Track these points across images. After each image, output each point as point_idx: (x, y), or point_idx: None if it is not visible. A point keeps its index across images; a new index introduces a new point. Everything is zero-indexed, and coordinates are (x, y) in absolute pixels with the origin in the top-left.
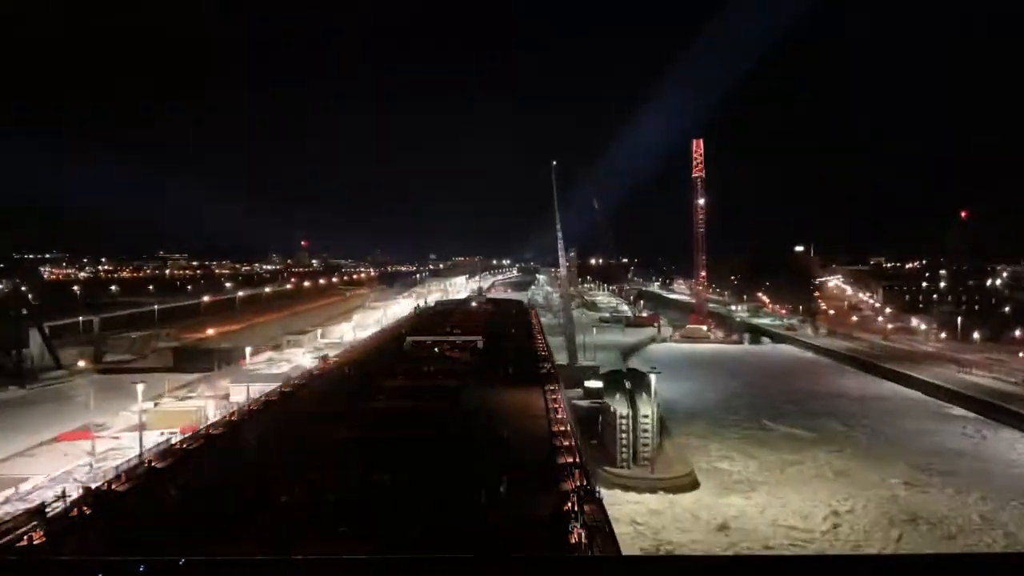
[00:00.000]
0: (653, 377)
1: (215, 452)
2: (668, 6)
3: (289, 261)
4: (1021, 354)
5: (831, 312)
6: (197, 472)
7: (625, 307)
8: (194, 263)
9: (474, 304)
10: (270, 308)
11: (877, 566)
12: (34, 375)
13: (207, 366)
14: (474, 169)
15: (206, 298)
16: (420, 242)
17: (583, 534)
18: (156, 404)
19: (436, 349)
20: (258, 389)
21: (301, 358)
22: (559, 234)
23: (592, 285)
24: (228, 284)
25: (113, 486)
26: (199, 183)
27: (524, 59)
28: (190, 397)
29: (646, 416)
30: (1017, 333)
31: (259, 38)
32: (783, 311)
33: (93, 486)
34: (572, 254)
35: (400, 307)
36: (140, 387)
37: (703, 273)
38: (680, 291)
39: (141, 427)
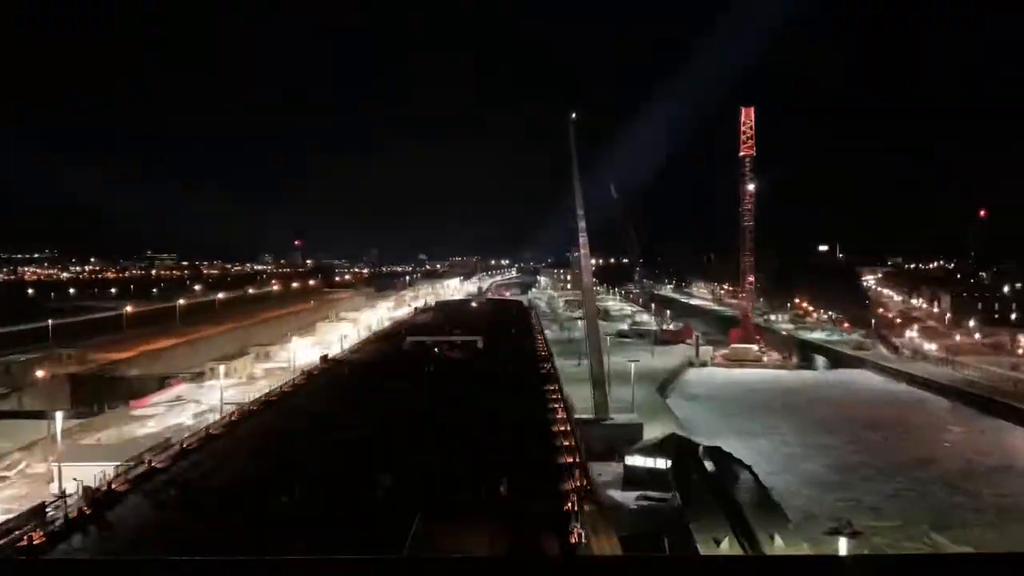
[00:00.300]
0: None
1: (215, 452)
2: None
3: (283, 261)
4: None
5: (894, 323)
6: (197, 472)
7: (646, 317)
8: (184, 263)
9: (474, 304)
10: (229, 316)
11: (877, 566)
12: None
13: (113, 398)
14: (474, 167)
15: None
16: (417, 242)
17: (583, 534)
18: None
19: (436, 349)
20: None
21: (222, 393)
22: (579, 211)
23: (599, 288)
24: (197, 287)
25: (113, 486)
26: (196, 183)
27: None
28: None
29: None
30: None
31: (259, 35)
32: (845, 324)
33: (93, 486)
34: (577, 254)
35: (377, 316)
36: None
37: (751, 278)
38: (701, 295)
39: None
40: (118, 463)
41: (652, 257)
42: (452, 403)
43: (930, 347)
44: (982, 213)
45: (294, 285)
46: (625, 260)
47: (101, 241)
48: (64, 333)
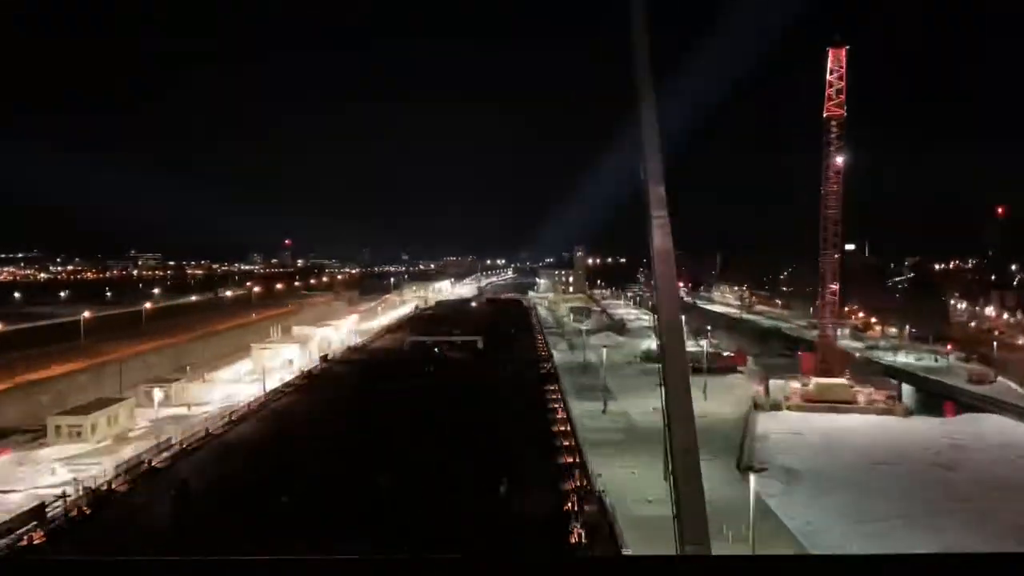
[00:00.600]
0: None
1: (215, 452)
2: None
3: (273, 261)
4: None
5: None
6: (197, 472)
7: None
8: (171, 263)
9: (474, 304)
10: (169, 328)
11: (877, 566)
12: None
13: None
14: (470, 163)
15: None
16: (413, 242)
17: (583, 534)
18: None
19: (436, 349)
20: None
21: (52, 474)
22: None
23: (606, 291)
24: (156, 290)
25: (113, 486)
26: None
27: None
28: None
29: None
30: None
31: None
32: (949, 348)
33: (93, 486)
34: (580, 253)
35: (340, 334)
36: None
37: (833, 286)
38: (724, 301)
39: None
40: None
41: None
42: (452, 403)
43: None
44: (1000, 211)
45: (290, 284)
46: (623, 260)
47: (87, 240)
48: None
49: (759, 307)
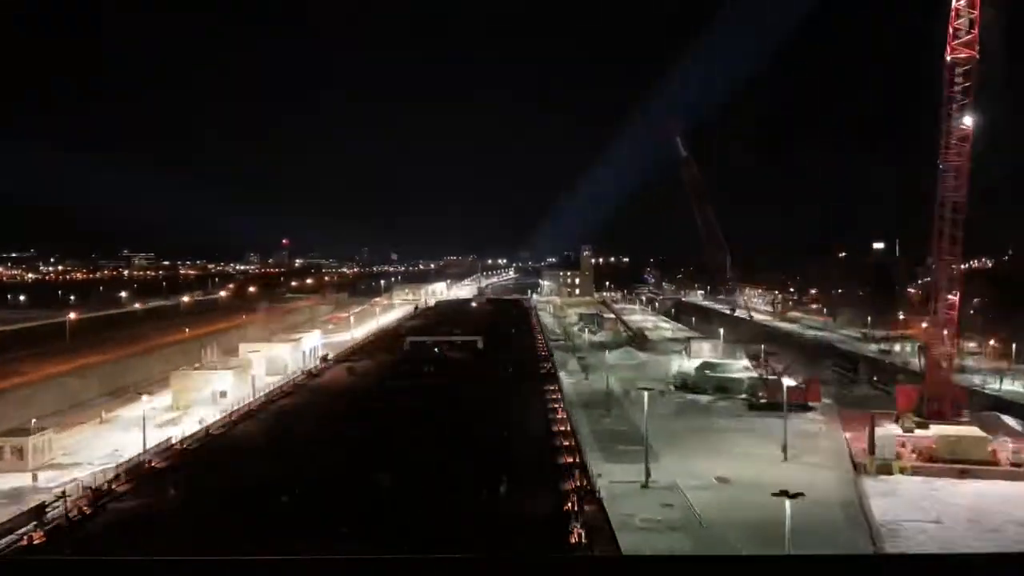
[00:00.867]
0: None
1: (215, 452)
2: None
3: (270, 261)
4: None
5: None
6: (197, 472)
7: (706, 346)
8: (166, 262)
9: (474, 304)
10: (112, 341)
11: (877, 566)
12: None
13: None
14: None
15: None
16: (414, 241)
17: (583, 534)
18: None
19: (436, 349)
20: None
21: None
22: None
23: (616, 295)
24: (123, 293)
25: (113, 486)
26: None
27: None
28: None
29: None
30: None
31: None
32: None
33: (93, 486)
34: (586, 252)
35: (302, 349)
36: None
37: (952, 296)
38: (752, 306)
39: None
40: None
41: (647, 257)
42: (452, 403)
43: None
44: None
45: (288, 283)
46: (626, 260)
47: (86, 240)
48: None
49: (793, 313)
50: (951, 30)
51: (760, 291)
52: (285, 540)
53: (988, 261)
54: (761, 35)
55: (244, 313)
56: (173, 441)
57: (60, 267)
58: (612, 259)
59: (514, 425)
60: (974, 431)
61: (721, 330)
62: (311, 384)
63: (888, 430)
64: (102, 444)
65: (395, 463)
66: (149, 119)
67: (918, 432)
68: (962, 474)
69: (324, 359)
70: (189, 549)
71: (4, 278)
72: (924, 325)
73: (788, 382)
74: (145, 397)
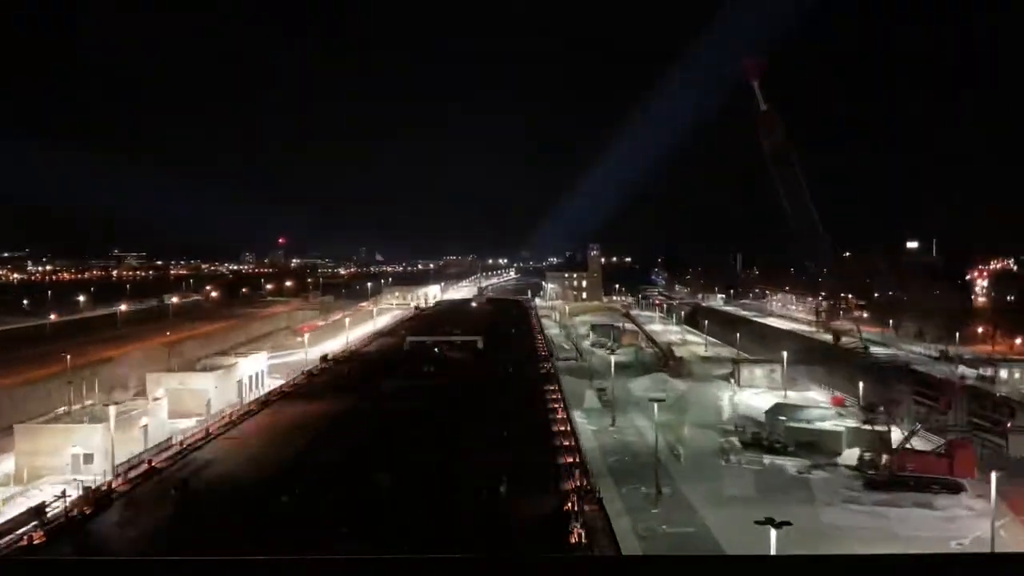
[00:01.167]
0: None
1: (215, 452)
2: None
3: (266, 261)
4: None
5: None
6: (197, 472)
7: (769, 374)
8: (158, 262)
9: (474, 304)
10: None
11: (877, 566)
12: None
13: None
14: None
15: None
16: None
17: (583, 534)
18: None
19: (436, 349)
20: None
21: None
22: None
23: (627, 299)
24: (82, 297)
25: (113, 486)
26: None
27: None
28: None
29: None
30: None
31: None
32: None
33: (93, 486)
34: (594, 252)
35: (225, 386)
36: None
37: None
38: (786, 313)
39: None
40: None
41: (673, 256)
42: (452, 403)
43: None
44: None
45: (282, 286)
46: (628, 259)
47: (80, 239)
48: None
49: (840, 323)
50: None
51: (796, 296)
52: (285, 540)
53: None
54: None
55: (204, 321)
56: (173, 441)
57: (49, 267)
58: (614, 259)
59: (514, 425)
60: None
61: (784, 353)
62: (311, 385)
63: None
64: None
65: (395, 463)
66: (148, 118)
67: None
68: None
69: (324, 358)
70: (189, 549)
71: None
72: None
73: (918, 445)
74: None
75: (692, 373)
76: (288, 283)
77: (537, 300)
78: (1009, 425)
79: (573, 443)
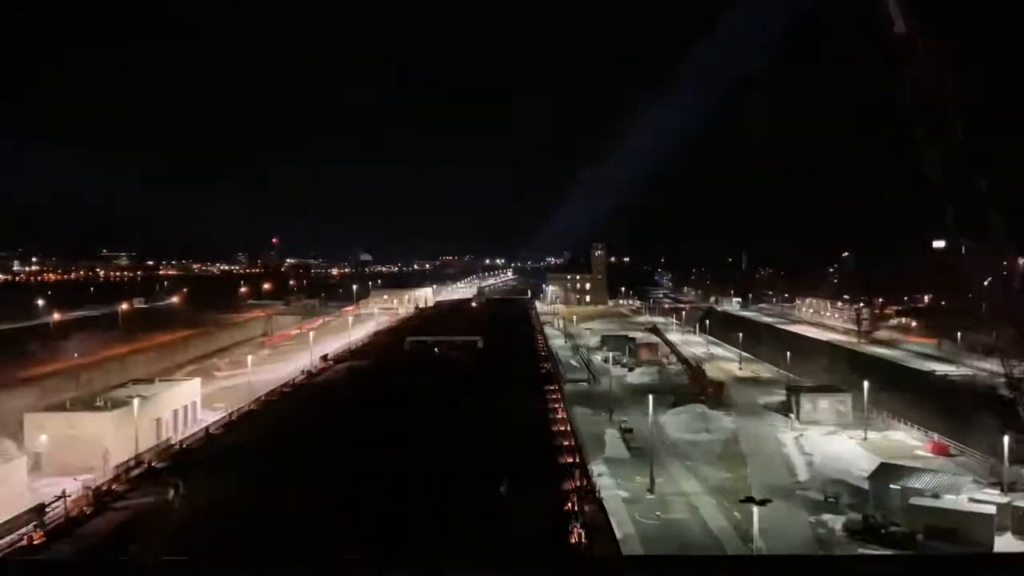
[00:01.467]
0: None
1: (215, 452)
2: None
3: (259, 261)
4: None
5: None
6: (197, 472)
7: (817, 407)
8: (149, 262)
9: (474, 304)
10: None
11: (876, 566)
12: None
13: None
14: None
15: None
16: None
17: (583, 534)
18: None
19: (436, 349)
20: None
21: None
22: None
23: (634, 302)
24: (40, 301)
25: (113, 486)
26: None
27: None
28: None
29: None
30: None
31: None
32: None
33: (93, 486)
34: (599, 252)
35: (122, 432)
36: None
37: None
38: (817, 320)
39: None
40: None
41: (674, 256)
42: (452, 403)
43: None
44: None
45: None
46: (627, 259)
47: (67, 238)
48: None
49: (884, 333)
50: None
51: (836, 304)
52: (285, 540)
53: None
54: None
55: (161, 331)
56: (173, 441)
57: (35, 267)
58: (612, 259)
59: (514, 425)
60: None
61: (866, 383)
62: (311, 385)
63: None
64: None
65: (395, 463)
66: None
67: None
68: None
69: (324, 358)
70: (189, 549)
71: None
72: None
73: None
74: None
75: (732, 401)
76: (266, 285)
77: (537, 303)
78: None
79: (573, 443)
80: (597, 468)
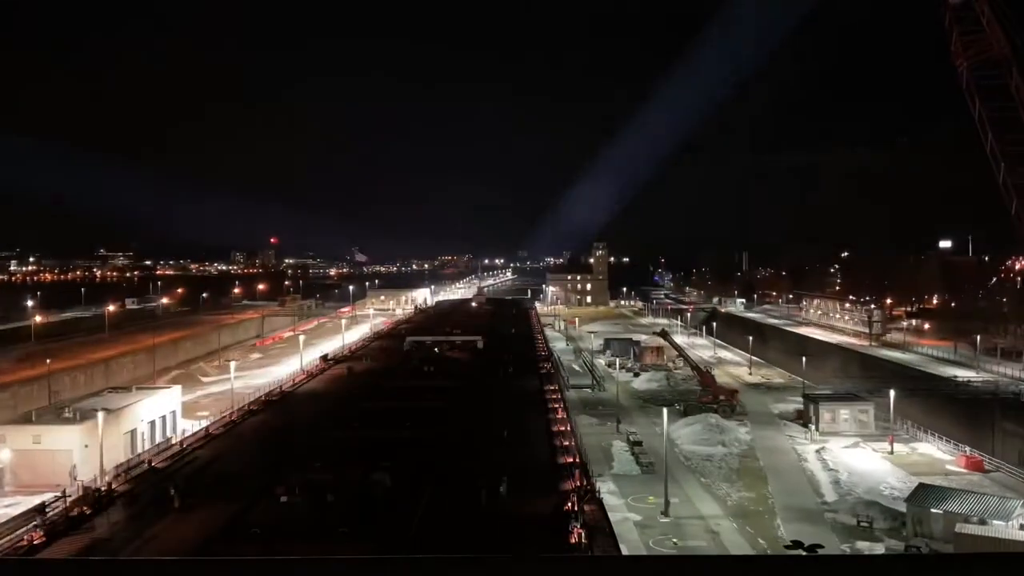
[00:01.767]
0: None
1: (215, 452)
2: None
3: (257, 261)
4: None
5: None
6: (197, 472)
7: (837, 417)
8: (147, 262)
9: (474, 304)
10: None
11: (876, 566)
12: None
13: None
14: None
15: None
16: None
17: (583, 534)
18: None
19: (436, 349)
20: None
21: None
22: None
23: (636, 303)
24: (30, 302)
25: (113, 486)
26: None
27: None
28: None
29: None
30: None
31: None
32: None
33: (93, 486)
34: (600, 252)
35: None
36: None
37: None
38: (826, 322)
39: None
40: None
41: (674, 255)
42: (452, 403)
43: None
44: None
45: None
46: (626, 259)
47: (75, 239)
48: None
49: (896, 336)
50: None
51: (839, 304)
52: (284, 540)
53: None
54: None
55: (148, 333)
56: (173, 441)
57: (32, 267)
58: (612, 259)
59: (514, 425)
60: None
61: (892, 392)
62: (311, 385)
63: None
64: None
65: (394, 463)
66: (147, 116)
67: None
68: None
69: (324, 358)
70: (189, 549)
71: None
72: None
73: None
74: None
75: (745, 409)
76: (261, 286)
77: (537, 304)
78: None
79: (573, 442)
80: (605, 486)
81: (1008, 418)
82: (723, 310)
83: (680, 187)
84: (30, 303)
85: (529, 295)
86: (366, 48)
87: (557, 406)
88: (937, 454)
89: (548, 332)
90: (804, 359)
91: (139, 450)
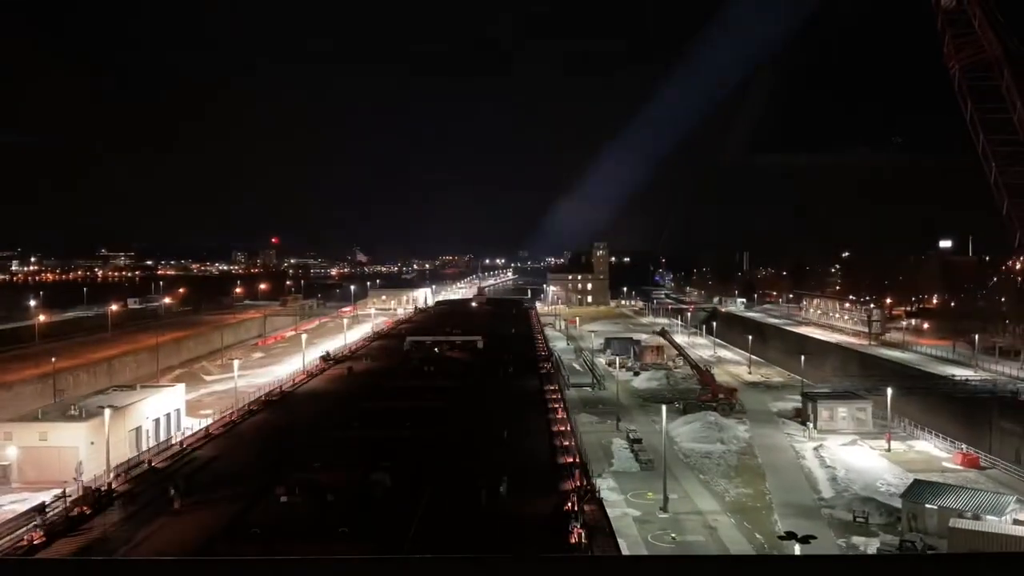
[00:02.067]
0: None
1: (215, 452)
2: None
3: (258, 260)
4: None
5: None
6: (197, 472)
7: (836, 415)
8: (148, 262)
9: (474, 304)
10: None
11: (875, 566)
12: None
13: None
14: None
15: None
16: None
17: (583, 534)
18: None
19: (436, 349)
20: None
21: None
22: None
23: (639, 302)
24: (32, 302)
25: (113, 486)
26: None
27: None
28: None
29: None
30: None
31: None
32: None
33: (93, 486)
34: (601, 252)
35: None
36: None
37: None
38: (826, 322)
39: None
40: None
41: (674, 255)
42: (452, 403)
43: None
44: None
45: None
46: (626, 259)
47: (74, 239)
48: None
49: (895, 335)
50: None
51: (838, 303)
52: (284, 540)
53: None
54: None
55: (150, 333)
56: (173, 440)
57: (34, 267)
58: (612, 258)
59: (514, 424)
60: None
61: (889, 390)
62: (311, 385)
63: None
64: None
65: (394, 463)
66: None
67: None
68: None
69: (324, 358)
70: (189, 549)
71: None
72: None
73: None
74: None
75: (744, 407)
76: (262, 285)
77: (538, 304)
78: None
79: (573, 443)
80: (605, 483)
81: (1005, 416)
82: (723, 310)
83: (680, 187)
84: (32, 303)
85: (529, 295)
86: (366, 48)
87: (557, 406)
88: (934, 451)
89: (549, 331)
90: (803, 358)
91: (144, 447)
